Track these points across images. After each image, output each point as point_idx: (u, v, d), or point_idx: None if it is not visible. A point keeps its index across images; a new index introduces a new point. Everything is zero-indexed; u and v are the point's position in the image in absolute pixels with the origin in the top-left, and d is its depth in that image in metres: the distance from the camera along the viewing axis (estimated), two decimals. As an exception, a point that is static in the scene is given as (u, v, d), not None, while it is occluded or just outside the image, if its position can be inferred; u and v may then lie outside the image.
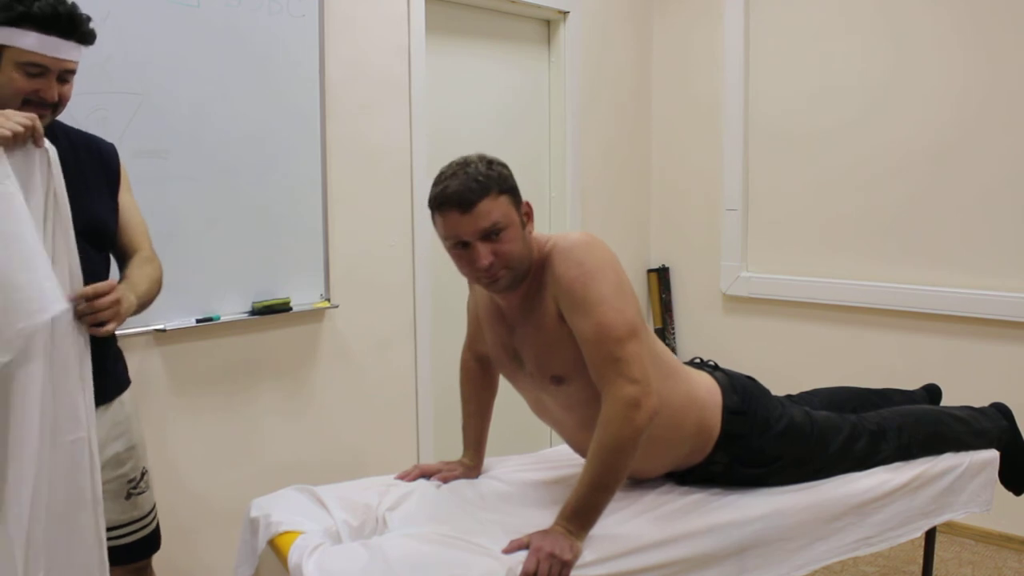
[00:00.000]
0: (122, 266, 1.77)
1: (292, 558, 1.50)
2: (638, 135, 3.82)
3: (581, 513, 1.54)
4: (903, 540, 1.93)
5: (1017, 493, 2.21)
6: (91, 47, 1.62)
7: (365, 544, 1.54)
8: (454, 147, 3.14)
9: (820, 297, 3.35)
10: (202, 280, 2.34)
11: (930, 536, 2.20)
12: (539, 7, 3.31)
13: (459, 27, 3.17)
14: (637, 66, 3.79)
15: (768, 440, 1.81)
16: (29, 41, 1.51)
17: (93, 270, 1.60)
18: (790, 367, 3.35)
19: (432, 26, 2.97)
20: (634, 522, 1.64)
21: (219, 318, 2.37)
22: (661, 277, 3.84)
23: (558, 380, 1.67)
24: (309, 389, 2.67)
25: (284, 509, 1.70)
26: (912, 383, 2.43)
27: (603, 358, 1.56)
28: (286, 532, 1.62)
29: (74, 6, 1.57)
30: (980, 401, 2.29)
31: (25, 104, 1.54)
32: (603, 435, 1.53)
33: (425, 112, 2.93)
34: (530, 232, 1.65)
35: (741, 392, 1.84)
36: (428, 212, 1.63)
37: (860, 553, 1.87)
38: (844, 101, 3.26)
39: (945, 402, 2.34)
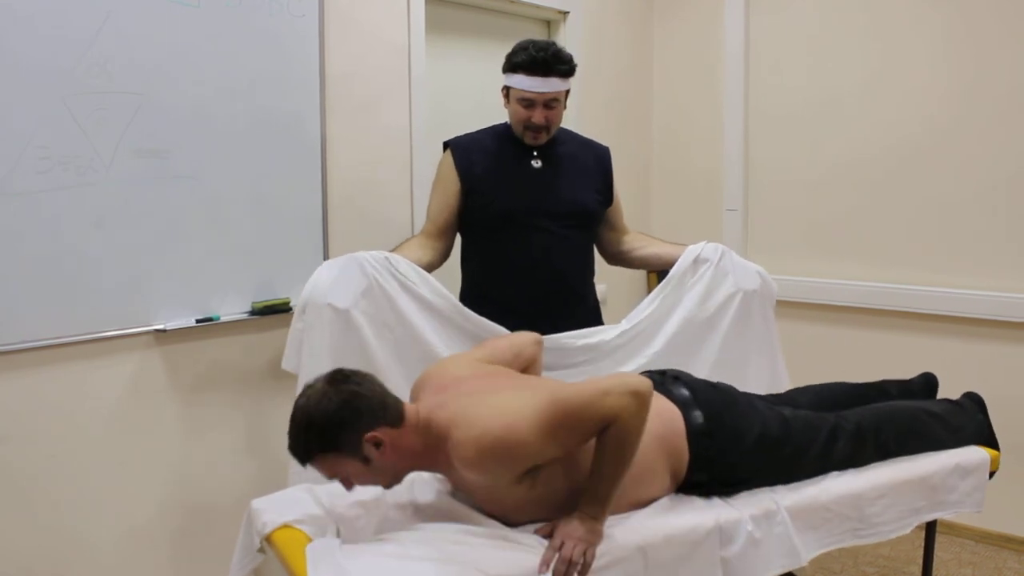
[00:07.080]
0: (609, 238, 2.46)
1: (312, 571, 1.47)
2: (638, 135, 3.82)
3: (599, 500, 1.55)
4: (893, 536, 1.93)
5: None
6: (570, 79, 2.16)
7: (375, 545, 1.53)
8: (454, 147, 3.16)
9: (820, 297, 3.35)
10: (202, 280, 2.34)
11: (930, 536, 2.20)
12: (539, 7, 3.31)
13: (459, 27, 3.17)
14: (637, 66, 3.79)
15: (743, 454, 1.78)
16: (518, 81, 2.14)
17: (576, 245, 2.28)
18: (789, 367, 3.33)
19: (432, 26, 2.98)
20: (619, 515, 1.64)
21: (219, 318, 2.37)
22: (661, 277, 3.83)
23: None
24: (309, 389, 2.66)
25: (285, 509, 1.71)
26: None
27: (575, 431, 1.53)
28: (284, 526, 1.63)
29: (555, 53, 2.11)
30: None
31: (525, 129, 2.19)
32: (611, 430, 1.52)
33: (425, 112, 2.93)
34: (388, 451, 1.55)
35: (705, 406, 1.79)
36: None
37: (846, 544, 1.87)
38: (846, 102, 3.26)
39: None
